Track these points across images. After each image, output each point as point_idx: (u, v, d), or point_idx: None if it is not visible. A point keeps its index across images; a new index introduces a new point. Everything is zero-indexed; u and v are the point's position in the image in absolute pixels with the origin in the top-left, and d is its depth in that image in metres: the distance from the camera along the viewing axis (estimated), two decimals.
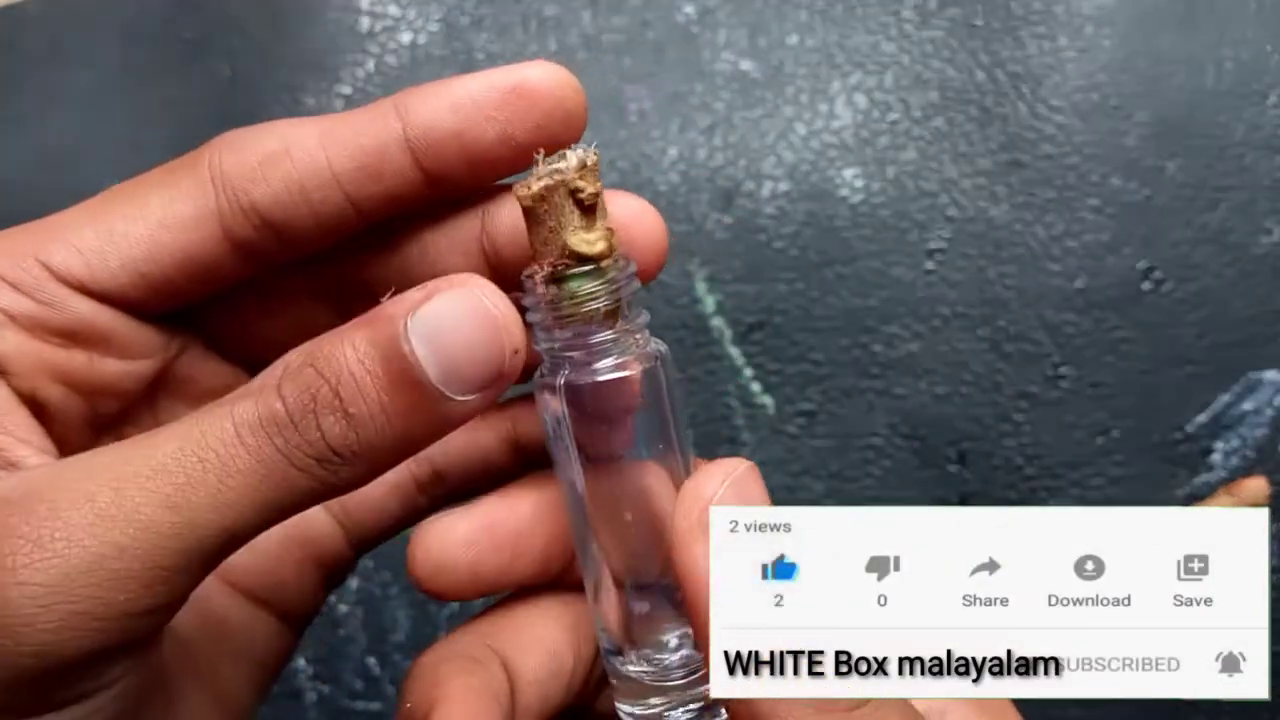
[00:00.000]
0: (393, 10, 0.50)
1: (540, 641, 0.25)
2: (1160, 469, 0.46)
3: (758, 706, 0.20)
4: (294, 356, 0.20)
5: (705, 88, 0.49)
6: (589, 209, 0.21)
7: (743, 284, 0.48)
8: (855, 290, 0.47)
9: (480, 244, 0.24)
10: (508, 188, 0.23)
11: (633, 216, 0.23)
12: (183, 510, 0.18)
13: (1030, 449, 0.47)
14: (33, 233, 0.22)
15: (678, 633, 0.24)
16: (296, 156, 0.22)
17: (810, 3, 0.49)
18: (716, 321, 0.48)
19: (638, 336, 0.22)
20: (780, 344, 0.47)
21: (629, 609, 0.24)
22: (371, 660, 0.47)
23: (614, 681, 0.24)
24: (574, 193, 0.21)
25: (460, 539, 0.24)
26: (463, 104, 0.22)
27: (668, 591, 0.23)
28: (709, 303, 0.48)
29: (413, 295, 0.19)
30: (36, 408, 0.22)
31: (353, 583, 0.47)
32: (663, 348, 0.23)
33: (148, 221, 0.22)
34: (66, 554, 0.18)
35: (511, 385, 0.21)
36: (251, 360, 0.25)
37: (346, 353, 0.19)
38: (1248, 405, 0.47)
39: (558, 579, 0.25)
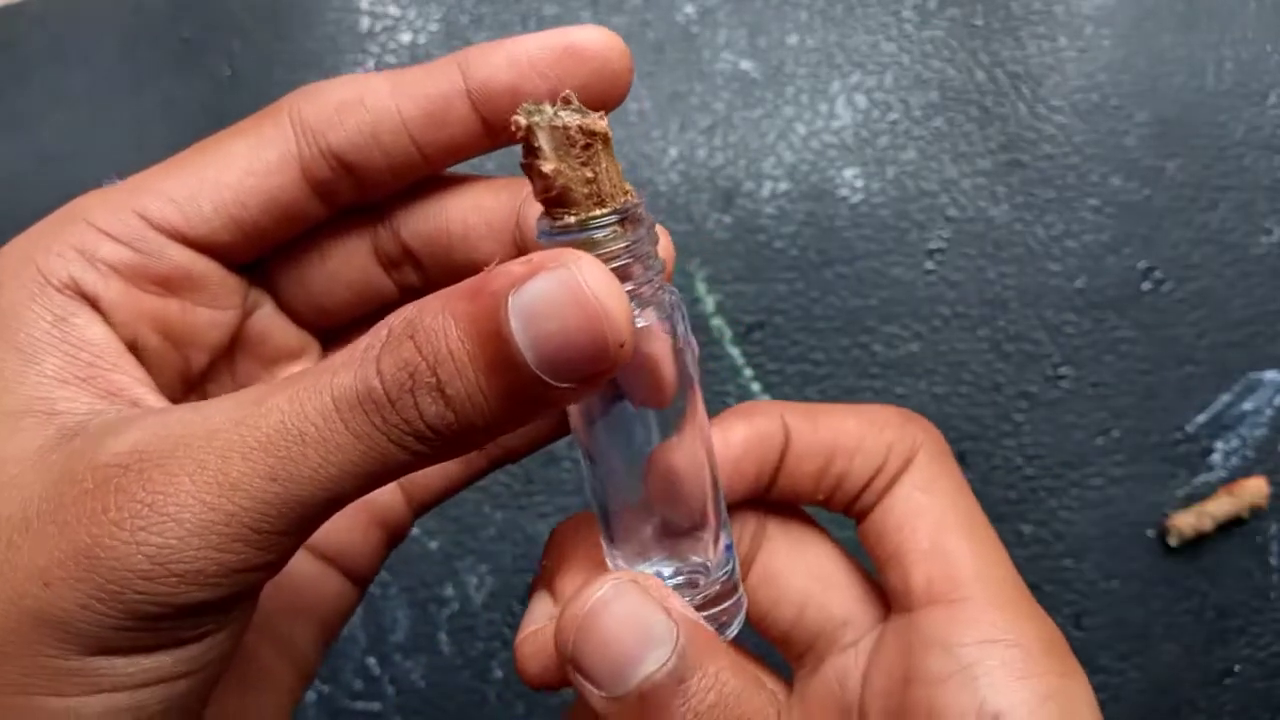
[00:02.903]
0: (392, 10, 0.50)
1: None
2: (1160, 469, 0.46)
3: None
4: (397, 323, 0.20)
5: (705, 88, 0.49)
6: None
7: (743, 284, 0.48)
8: (855, 290, 0.47)
9: (515, 223, 0.25)
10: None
11: None
12: (284, 482, 0.19)
13: (1030, 449, 0.47)
14: (130, 188, 0.24)
15: (674, 566, 0.24)
16: (370, 104, 0.23)
17: (810, 3, 0.49)
18: (716, 321, 0.48)
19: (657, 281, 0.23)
20: (780, 344, 0.47)
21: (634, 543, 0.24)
22: (371, 660, 0.47)
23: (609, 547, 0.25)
24: None
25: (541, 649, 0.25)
26: (518, 60, 0.23)
27: (669, 524, 0.24)
28: (709, 303, 0.48)
29: (514, 269, 0.19)
30: (136, 356, 0.24)
31: None
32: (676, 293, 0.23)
33: (235, 169, 0.23)
34: (180, 518, 0.19)
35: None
36: (315, 324, 0.27)
37: (447, 329, 0.19)
38: (1248, 405, 0.47)
39: None
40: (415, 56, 0.50)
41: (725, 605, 0.24)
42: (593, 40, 0.23)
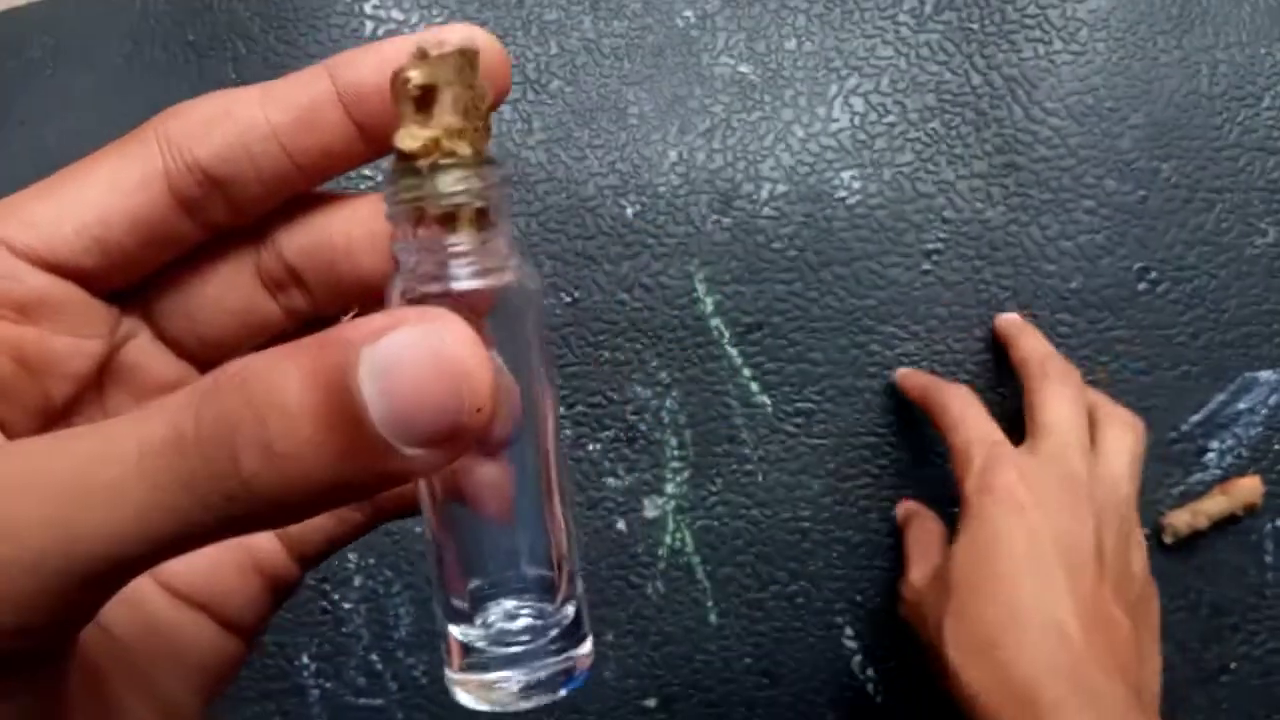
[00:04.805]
0: (396, 15, 0.50)
1: None
2: (1156, 468, 0.47)
3: None
4: (229, 369, 0.18)
5: (704, 91, 0.49)
6: None
7: (741, 285, 0.48)
8: (853, 291, 0.48)
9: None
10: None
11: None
12: (67, 529, 0.17)
13: None
14: None
15: (514, 604, 0.23)
16: (237, 115, 0.22)
17: (808, 7, 0.49)
18: (715, 322, 0.48)
19: (511, 247, 0.21)
20: (778, 344, 0.48)
21: (471, 576, 0.23)
22: (374, 657, 0.47)
23: (451, 659, 0.23)
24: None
25: None
26: (385, 61, 0.22)
27: (509, 560, 0.23)
28: (708, 303, 0.48)
29: (373, 322, 0.17)
30: None
31: (355, 580, 0.47)
32: (536, 279, 0.21)
33: (98, 188, 0.22)
34: None
35: (474, 445, 0.18)
36: (197, 355, 0.26)
37: (284, 378, 0.17)
38: (1242, 405, 0.47)
39: None
40: None
41: (576, 651, 0.23)
42: (463, 40, 0.21)
